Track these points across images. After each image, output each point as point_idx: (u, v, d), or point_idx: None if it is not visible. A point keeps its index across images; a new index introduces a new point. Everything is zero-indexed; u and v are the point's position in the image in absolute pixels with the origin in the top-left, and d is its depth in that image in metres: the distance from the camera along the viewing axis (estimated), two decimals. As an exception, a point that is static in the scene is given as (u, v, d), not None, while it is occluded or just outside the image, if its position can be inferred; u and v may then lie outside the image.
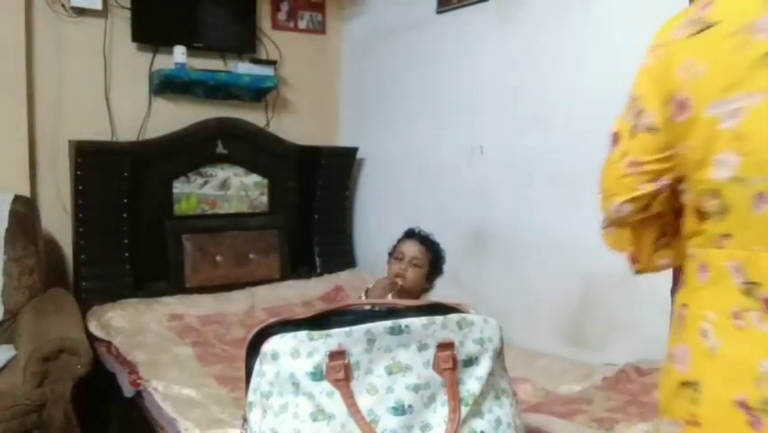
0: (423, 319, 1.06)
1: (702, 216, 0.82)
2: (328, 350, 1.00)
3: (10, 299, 2.30)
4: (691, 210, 0.85)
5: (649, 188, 0.88)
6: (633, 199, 0.89)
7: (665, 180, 0.87)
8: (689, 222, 0.87)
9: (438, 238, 1.86)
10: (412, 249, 1.79)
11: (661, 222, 0.95)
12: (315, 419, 0.98)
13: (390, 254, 1.85)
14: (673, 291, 0.98)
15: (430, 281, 1.82)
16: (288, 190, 3.24)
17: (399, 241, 1.85)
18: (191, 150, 2.93)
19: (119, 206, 2.70)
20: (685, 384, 0.82)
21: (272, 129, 3.24)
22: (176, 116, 2.95)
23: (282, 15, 3.31)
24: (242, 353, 1.07)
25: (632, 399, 1.78)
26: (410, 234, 1.85)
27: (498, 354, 1.13)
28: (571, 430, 1.57)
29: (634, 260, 0.99)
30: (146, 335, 2.35)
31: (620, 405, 1.74)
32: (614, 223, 0.96)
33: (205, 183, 3.00)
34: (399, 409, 1.01)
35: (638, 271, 0.99)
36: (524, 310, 2.44)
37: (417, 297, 1.79)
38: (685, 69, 0.81)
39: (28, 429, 1.86)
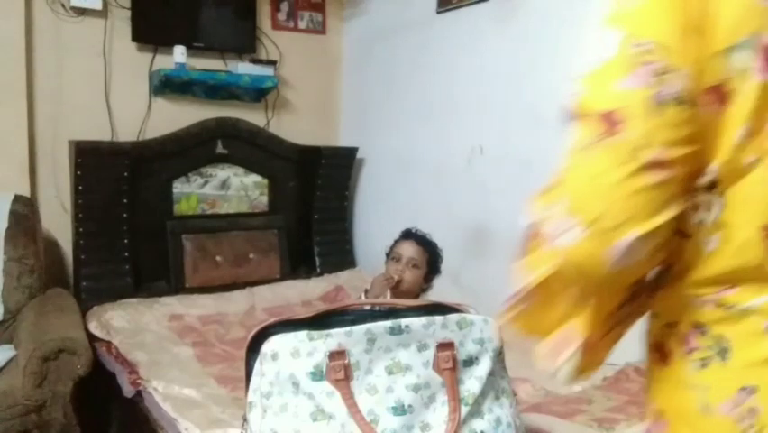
0: (423, 319, 1.06)
1: None
2: (328, 350, 1.00)
3: (10, 299, 2.30)
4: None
5: (674, 211, 0.56)
6: (655, 233, 0.55)
7: (689, 199, 0.58)
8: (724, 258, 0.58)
9: (438, 238, 1.86)
10: (409, 250, 1.78)
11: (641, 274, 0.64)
12: (315, 419, 0.98)
13: (388, 255, 1.84)
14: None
15: (428, 281, 1.82)
16: (287, 190, 3.24)
17: (396, 242, 1.84)
18: (191, 150, 2.93)
19: (119, 206, 2.70)
20: None
21: (272, 129, 3.24)
22: (176, 116, 2.95)
23: (282, 15, 3.31)
24: (242, 353, 1.07)
25: (632, 399, 1.78)
26: (407, 235, 1.84)
27: (498, 354, 1.13)
28: (571, 430, 1.57)
29: (584, 347, 0.66)
30: (146, 335, 2.35)
31: (620, 405, 1.74)
32: (604, 284, 0.60)
33: (205, 183, 3.00)
34: (399, 409, 1.01)
35: (582, 371, 0.68)
36: (524, 310, 2.43)
37: (416, 297, 1.79)
38: None
39: (28, 429, 1.86)
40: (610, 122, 0.55)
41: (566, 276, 0.62)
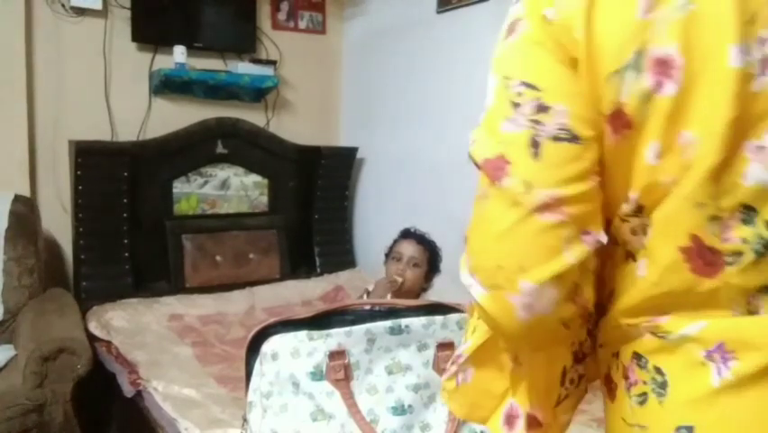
0: (423, 319, 1.06)
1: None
2: (328, 350, 1.00)
3: (10, 299, 2.30)
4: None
5: (582, 250, 0.53)
6: (561, 277, 0.52)
7: (600, 234, 0.54)
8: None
9: (438, 238, 1.86)
10: (410, 249, 1.78)
11: (578, 329, 0.59)
12: (315, 419, 0.98)
13: (387, 255, 1.84)
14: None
15: (429, 280, 1.82)
16: (287, 190, 3.24)
17: (396, 241, 1.84)
18: (191, 150, 2.93)
19: (119, 206, 2.70)
20: None
21: (272, 129, 3.24)
22: (176, 116, 2.95)
23: (282, 15, 3.31)
24: (242, 353, 1.07)
25: (632, 399, 1.78)
26: (407, 235, 1.84)
27: (498, 354, 1.13)
28: (571, 430, 1.57)
29: (533, 424, 0.62)
30: (146, 335, 2.35)
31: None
32: (522, 336, 0.56)
33: (205, 183, 3.00)
34: (399, 409, 1.01)
35: None
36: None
37: (417, 296, 1.79)
38: (658, 2, 0.49)
39: (28, 429, 1.86)
40: (495, 168, 0.53)
41: (494, 339, 0.60)
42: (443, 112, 2.84)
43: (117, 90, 2.87)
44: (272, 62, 3.15)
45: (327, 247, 3.30)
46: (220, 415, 1.76)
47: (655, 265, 0.54)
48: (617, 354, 0.59)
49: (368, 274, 3.03)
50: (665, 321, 0.55)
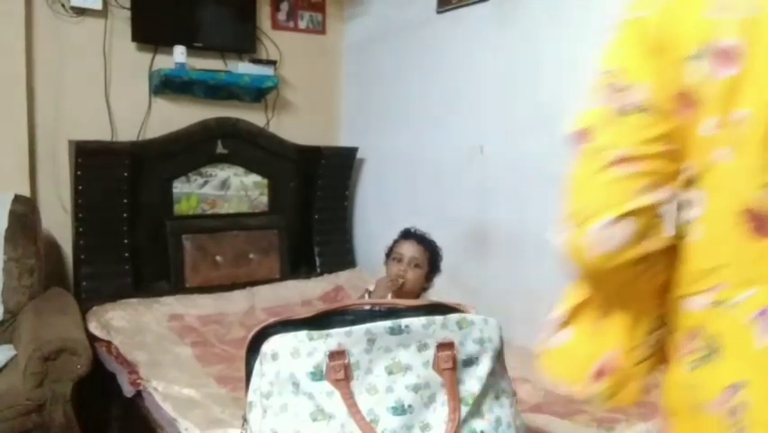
0: (423, 319, 1.06)
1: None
2: (328, 350, 1.00)
3: (10, 299, 2.30)
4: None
5: (651, 198, 0.61)
6: (631, 214, 0.60)
7: (670, 191, 0.62)
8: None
9: (438, 238, 1.86)
10: (410, 250, 1.78)
11: (663, 282, 0.66)
12: (315, 419, 0.98)
13: (388, 255, 1.84)
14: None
15: (429, 280, 1.82)
16: (287, 190, 3.24)
17: (396, 242, 1.84)
18: (191, 150, 2.93)
19: (119, 206, 2.69)
20: None
21: (272, 129, 3.24)
22: (176, 116, 2.95)
23: (282, 15, 3.31)
24: (242, 353, 1.07)
25: (632, 399, 1.78)
26: (407, 235, 1.84)
27: (499, 354, 1.13)
28: (571, 430, 1.57)
29: (607, 370, 0.68)
30: (146, 335, 2.35)
31: (620, 405, 1.74)
32: (598, 273, 0.64)
33: (205, 183, 3.00)
34: (399, 409, 1.01)
35: (612, 396, 0.70)
36: (524, 310, 2.43)
37: (417, 296, 1.79)
38: (724, 6, 0.59)
39: (28, 429, 1.86)
40: (583, 136, 0.65)
41: (584, 303, 0.69)
42: (442, 112, 2.84)
43: (117, 90, 2.87)
44: (272, 62, 3.15)
45: (327, 247, 3.30)
46: (220, 415, 1.76)
47: (710, 232, 0.61)
48: (672, 331, 0.66)
49: (368, 274, 3.03)
50: (718, 292, 0.61)
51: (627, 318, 0.68)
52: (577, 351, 0.72)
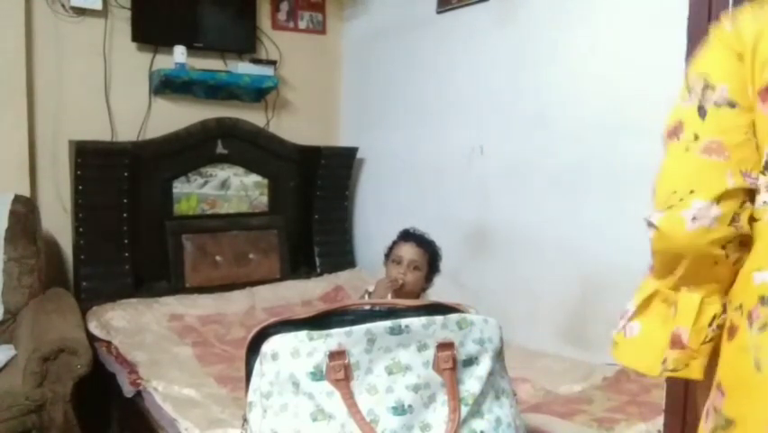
0: (423, 319, 1.06)
1: None
2: (328, 350, 1.00)
3: (10, 299, 2.30)
4: None
5: (741, 182, 0.69)
6: (724, 196, 0.69)
7: (756, 177, 0.69)
8: None
9: (438, 238, 1.86)
10: (410, 252, 1.77)
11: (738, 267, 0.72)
12: (315, 419, 0.98)
13: (387, 256, 1.83)
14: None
15: (429, 281, 1.82)
16: (287, 190, 3.24)
17: (396, 243, 1.83)
18: (191, 150, 2.93)
19: (119, 206, 2.70)
20: None
21: (272, 129, 3.24)
22: (176, 116, 2.94)
23: (282, 15, 3.31)
24: (242, 353, 1.07)
25: (632, 399, 1.78)
26: (406, 237, 1.83)
27: (498, 354, 1.13)
28: (571, 430, 1.57)
29: (676, 344, 0.74)
30: (146, 335, 2.35)
31: (620, 405, 1.74)
32: (689, 250, 0.71)
33: (205, 183, 3.00)
34: (399, 409, 1.01)
35: (674, 369, 0.75)
36: (524, 310, 2.44)
37: (417, 296, 1.79)
38: None
39: (28, 429, 1.86)
40: (673, 130, 0.74)
41: (656, 294, 0.75)
42: (442, 112, 2.84)
43: (117, 90, 2.87)
44: (272, 62, 3.15)
45: (327, 247, 3.30)
46: (220, 415, 1.76)
47: None
48: (738, 307, 0.70)
49: (368, 274, 3.03)
50: None
51: (697, 300, 0.74)
52: (650, 339, 0.77)
